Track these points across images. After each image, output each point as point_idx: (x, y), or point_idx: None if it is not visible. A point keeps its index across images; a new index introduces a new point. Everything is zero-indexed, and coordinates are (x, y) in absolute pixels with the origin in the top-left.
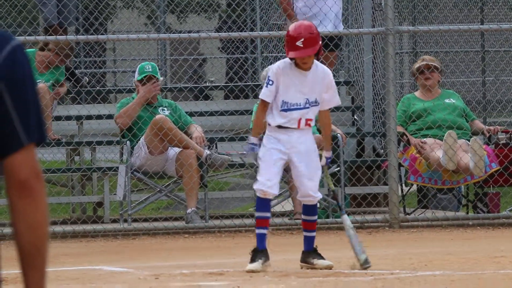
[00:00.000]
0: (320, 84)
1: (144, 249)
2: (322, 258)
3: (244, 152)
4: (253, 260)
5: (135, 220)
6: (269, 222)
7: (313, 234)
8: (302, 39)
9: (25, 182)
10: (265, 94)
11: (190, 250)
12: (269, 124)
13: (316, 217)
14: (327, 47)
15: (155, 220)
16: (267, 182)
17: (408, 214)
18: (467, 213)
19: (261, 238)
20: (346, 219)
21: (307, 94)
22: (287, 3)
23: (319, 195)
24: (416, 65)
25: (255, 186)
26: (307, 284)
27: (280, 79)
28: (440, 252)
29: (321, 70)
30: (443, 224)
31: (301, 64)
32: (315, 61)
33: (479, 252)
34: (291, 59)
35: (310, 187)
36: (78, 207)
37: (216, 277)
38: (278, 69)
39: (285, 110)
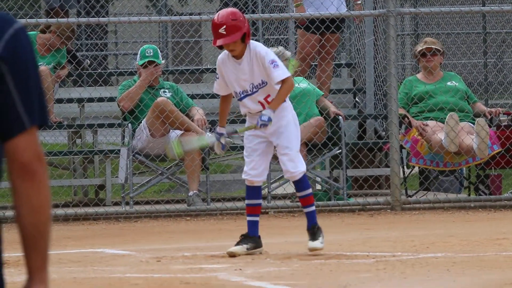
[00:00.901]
0: (257, 67)
1: (146, 232)
2: (315, 238)
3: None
4: (238, 243)
5: (137, 203)
6: (260, 209)
7: (311, 208)
8: (224, 26)
9: (27, 165)
10: (215, 88)
11: (192, 232)
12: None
13: (308, 191)
14: (329, 29)
15: (157, 202)
16: (252, 171)
17: (410, 196)
18: (469, 195)
19: (252, 225)
20: None
21: (248, 80)
22: None
23: (300, 169)
24: (418, 48)
25: (242, 176)
26: (309, 266)
27: (223, 72)
28: (442, 234)
29: (253, 54)
30: (445, 206)
31: (230, 52)
32: (250, 45)
33: (480, 234)
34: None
35: (288, 164)
36: (80, 189)
37: (218, 259)
38: (218, 62)
39: (240, 100)
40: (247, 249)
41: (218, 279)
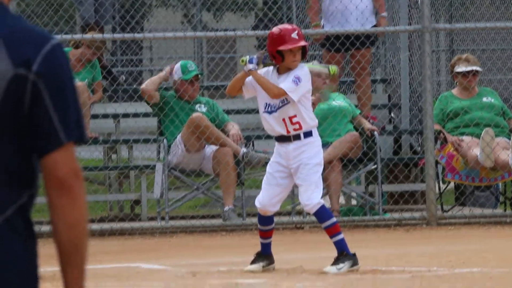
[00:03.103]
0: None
1: (182, 247)
2: (335, 263)
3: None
4: (253, 262)
5: (172, 218)
6: (272, 232)
7: (337, 238)
8: (297, 31)
9: (64, 180)
10: (244, 87)
11: (227, 247)
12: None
13: (329, 221)
14: (364, 45)
15: (192, 218)
16: (266, 201)
17: (446, 211)
18: (505, 210)
19: (265, 246)
20: None
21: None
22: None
23: (313, 202)
24: (460, 69)
25: (256, 202)
26: (344, 282)
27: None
28: (478, 250)
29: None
30: (481, 221)
31: (290, 63)
32: (299, 66)
33: None
34: (278, 61)
35: (302, 196)
36: (115, 205)
37: (253, 274)
38: (263, 70)
39: (268, 112)
40: (263, 266)
41: None
